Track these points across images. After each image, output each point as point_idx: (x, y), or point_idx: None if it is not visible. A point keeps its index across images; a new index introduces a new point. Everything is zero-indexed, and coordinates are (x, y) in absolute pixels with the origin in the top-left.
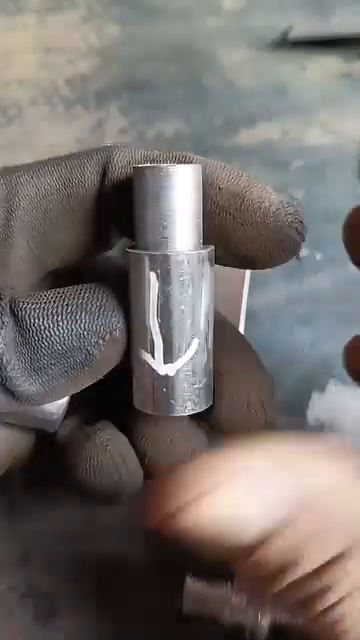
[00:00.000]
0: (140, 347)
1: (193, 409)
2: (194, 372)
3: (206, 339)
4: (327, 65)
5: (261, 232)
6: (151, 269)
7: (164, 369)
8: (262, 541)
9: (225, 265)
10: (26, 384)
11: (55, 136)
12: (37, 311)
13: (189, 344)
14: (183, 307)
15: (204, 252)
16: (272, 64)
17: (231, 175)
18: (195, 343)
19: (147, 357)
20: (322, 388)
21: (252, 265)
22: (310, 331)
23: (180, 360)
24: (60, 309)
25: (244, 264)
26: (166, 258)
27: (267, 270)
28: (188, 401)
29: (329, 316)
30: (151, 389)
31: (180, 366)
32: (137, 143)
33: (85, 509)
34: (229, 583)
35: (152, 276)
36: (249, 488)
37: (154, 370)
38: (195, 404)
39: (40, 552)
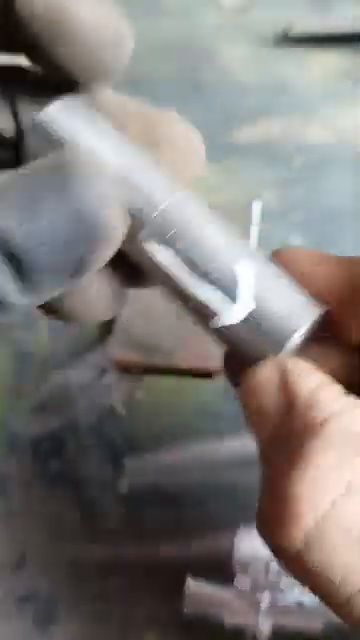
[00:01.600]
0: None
1: None
2: None
3: None
4: (327, 62)
5: None
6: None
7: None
8: None
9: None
10: None
11: None
12: None
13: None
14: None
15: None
16: (272, 61)
17: None
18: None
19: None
20: None
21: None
22: None
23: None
24: None
25: None
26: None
27: None
28: None
29: None
30: None
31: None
32: None
33: (84, 510)
34: (230, 584)
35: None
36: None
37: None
38: None
39: (38, 555)
